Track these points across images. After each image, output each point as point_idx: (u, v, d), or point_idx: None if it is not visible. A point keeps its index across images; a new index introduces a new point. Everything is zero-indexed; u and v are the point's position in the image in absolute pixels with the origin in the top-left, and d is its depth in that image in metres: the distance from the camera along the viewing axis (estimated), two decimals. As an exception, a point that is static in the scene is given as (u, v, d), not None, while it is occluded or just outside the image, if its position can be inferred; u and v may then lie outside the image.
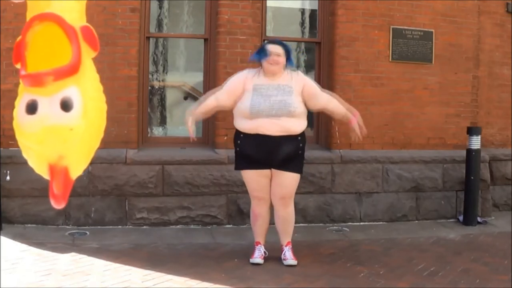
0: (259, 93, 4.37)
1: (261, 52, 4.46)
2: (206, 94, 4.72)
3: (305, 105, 4.49)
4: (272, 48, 4.41)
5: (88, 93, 2.00)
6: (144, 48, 5.90)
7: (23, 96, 1.99)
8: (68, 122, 1.93)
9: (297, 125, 4.44)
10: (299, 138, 4.49)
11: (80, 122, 1.95)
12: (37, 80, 1.92)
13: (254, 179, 4.52)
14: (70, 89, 1.95)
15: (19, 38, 2.03)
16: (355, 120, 4.54)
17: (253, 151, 4.41)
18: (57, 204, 2.00)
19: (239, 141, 4.49)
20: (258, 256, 4.55)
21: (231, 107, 4.53)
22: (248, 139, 4.42)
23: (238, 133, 4.51)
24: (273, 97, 4.35)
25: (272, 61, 4.38)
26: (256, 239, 4.66)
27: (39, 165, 2.03)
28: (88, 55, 2.06)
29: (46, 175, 2.02)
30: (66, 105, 1.93)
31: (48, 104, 1.92)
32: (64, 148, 1.95)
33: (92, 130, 2.03)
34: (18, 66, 2.01)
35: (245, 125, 4.42)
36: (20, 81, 2.00)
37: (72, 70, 1.95)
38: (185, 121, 4.49)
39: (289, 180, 4.51)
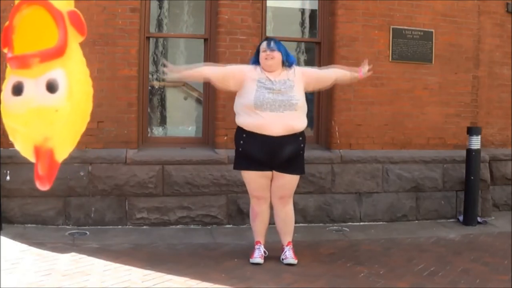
0: (262, 86, 4.39)
1: (257, 52, 4.57)
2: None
3: (313, 89, 4.75)
4: (265, 44, 4.49)
5: (74, 75, 2.00)
6: (144, 48, 5.90)
7: (10, 78, 1.99)
8: (54, 103, 1.93)
9: (300, 122, 4.46)
10: (301, 138, 4.51)
11: (65, 104, 1.95)
12: (23, 62, 1.92)
13: (255, 180, 4.51)
14: (56, 71, 1.95)
15: (6, 23, 2.03)
16: (361, 73, 4.79)
17: (255, 151, 4.38)
18: (42, 186, 2.01)
19: (241, 141, 4.45)
20: (258, 256, 4.55)
21: (219, 85, 4.59)
22: (251, 138, 4.38)
23: (240, 131, 4.47)
24: (276, 91, 4.38)
25: (267, 56, 4.43)
26: (256, 239, 4.66)
27: (24, 147, 2.03)
28: (75, 39, 2.06)
29: (31, 158, 2.02)
30: (51, 87, 1.93)
31: (34, 86, 1.93)
32: (49, 130, 1.95)
33: (78, 112, 2.03)
34: (5, 50, 2.01)
35: (248, 121, 4.38)
36: (7, 63, 2.00)
37: (58, 52, 1.95)
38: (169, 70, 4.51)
39: (290, 182, 4.54)
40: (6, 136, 5.62)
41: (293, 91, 4.41)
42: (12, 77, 1.98)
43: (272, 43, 4.47)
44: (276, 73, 4.46)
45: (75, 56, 2.05)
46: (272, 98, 4.33)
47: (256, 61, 4.54)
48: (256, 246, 4.62)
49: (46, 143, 1.97)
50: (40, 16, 1.97)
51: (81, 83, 2.04)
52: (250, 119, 4.37)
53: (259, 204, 4.58)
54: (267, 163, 4.42)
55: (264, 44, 4.51)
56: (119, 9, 5.63)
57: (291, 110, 4.36)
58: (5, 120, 2.02)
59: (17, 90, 1.94)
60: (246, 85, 4.42)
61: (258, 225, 4.65)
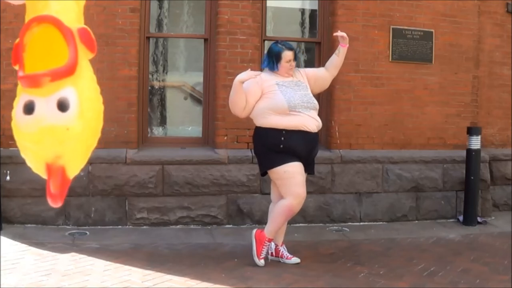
0: (286, 87, 4.41)
1: (275, 57, 4.50)
2: None
3: (315, 88, 4.72)
4: (292, 55, 4.50)
5: (84, 93, 2.02)
6: (144, 48, 5.90)
7: (21, 97, 2.02)
8: (65, 122, 1.95)
9: (320, 120, 4.57)
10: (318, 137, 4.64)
11: (76, 122, 1.97)
12: (34, 81, 1.95)
13: (301, 172, 4.40)
14: (67, 90, 1.97)
15: (17, 40, 2.06)
16: (343, 44, 4.66)
17: (298, 147, 4.36)
18: (54, 203, 2.03)
19: (282, 138, 4.34)
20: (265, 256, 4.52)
21: (244, 107, 4.46)
22: (292, 135, 4.34)
23: (274, 131, 4.37)
24: (298, 92, 4.44)
25: (292, 66, 4.50)
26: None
27: (36, 165, 2.05)
28: (85, 56, 2.08)
29: (43, 175, 2.04)
30: (62, 106, 1.95)
31: (45, 105, 1.95)
32: (60, 148, 1.98)
33: (89, 130, 2.05)
34: (16, 67, 2.03)
35: (286, 121, 4.34)
36: (18, 82, 2.03)
37: (68, 71, 1.97)
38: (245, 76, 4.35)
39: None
40: (6, 136, 5.64)
41: (309, 91, 4.54)
42: (23, 95, 2.01)
43: (296, 55, 4.57)
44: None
45: (86, 73, 2.08)
46: (300, 98, 4.39)
47: (271, 65, 4.51)
48: (269, 243, 4.51)
49: (58, 161, 1.99)
50: (50, 34, 1.99)
51: (91, 100, 2.06)
52: (287, 118, 4.34)
53: (301, 204, 4.43)
54: (304, 160, 4.42)
55: (290, 54, 4.48)
56: (119, 9, 5.63)
57: (314, 109, 4.50)
58: (16, 138, 2.05)
59: (29, 109, 1.97)
60: (267, 91, 4.42)
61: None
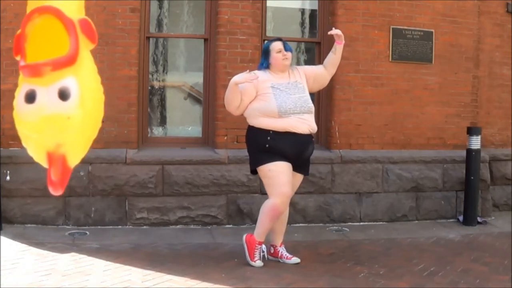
0: (280, 91, 4.39)
1: (264, 54, 4.53)
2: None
3: (314, 86, 4.68)
4: (281, 44, 4.49)
5: (85, 83, 2.04)
6: (144, 48, 5.90)
7: (22, 86, 2.03)
8: (66, 111, 1.97)
9: (314, 123, 4.53)
10: (313, 139, 4.60)
11: (77, 111, 1.99)
12: (35, 70, 1.96)
13: (286, 172, 4.37)
14: (68, 79, 1.99)
15: (19, 31, 2.07)
16: (339, 41, 4.63)
17: (285, 148, 4.34)
18: (55, 191, 2.05)
19: (269, 138, 4.35)
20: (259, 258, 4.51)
21: (238, 106, 4.47)
22: (280, 136, 4.34)
23: (262, 131, 4.38)
24: (293, 95, 4.41)
25: (285, 56, 4.46)
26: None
27: (37, 153, 2.07)
28: (86, 47, 2.09)
29: (44, 163, 2.06)
30: (63, 95, 1.97)
31: (46, 94, 1.97)
32: (61, 137, 1.99)
33: (89, 119, 2.07)
34: (18, 58, 2.05)
35: (275, 123, 4.34)
36: (20, 72, 2.04)
37: (69, 60, 1.99)
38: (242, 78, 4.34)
39: (298, 182, 4.60)
40: (6, 136, 5.62)
41: (307, 94, 4.49)
42: (24, 85, 2.03)
43: (286, 45, 4.52)
44: (284, 74, 4.50)
45: (87, 63, 2.09)
46: (293, 103, 4.35)
47: (264, 63, 4.51)
48: (260, 246, 4.50)
49: (59, 150, 2.01)
50: (51, 24, 2.01)
51: (92, 90, 2.08)
52: (276, 121, 4.34)
53: (285, 203, 4.43)
54: (293, 161, 4.41)
55: (279, 44, 4.49)
56: (119, 9, 5.63)
57: (308, 113, 4.44)
58: (18, 127, 2.07)
59: (30, 98, 1.99)
60: (261, 93, 4.40)
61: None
